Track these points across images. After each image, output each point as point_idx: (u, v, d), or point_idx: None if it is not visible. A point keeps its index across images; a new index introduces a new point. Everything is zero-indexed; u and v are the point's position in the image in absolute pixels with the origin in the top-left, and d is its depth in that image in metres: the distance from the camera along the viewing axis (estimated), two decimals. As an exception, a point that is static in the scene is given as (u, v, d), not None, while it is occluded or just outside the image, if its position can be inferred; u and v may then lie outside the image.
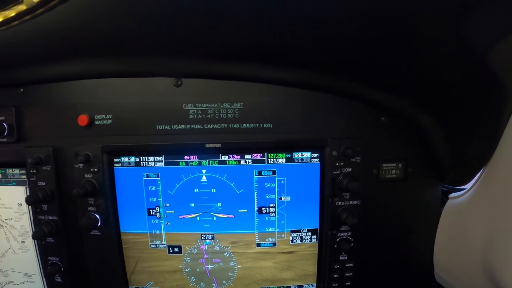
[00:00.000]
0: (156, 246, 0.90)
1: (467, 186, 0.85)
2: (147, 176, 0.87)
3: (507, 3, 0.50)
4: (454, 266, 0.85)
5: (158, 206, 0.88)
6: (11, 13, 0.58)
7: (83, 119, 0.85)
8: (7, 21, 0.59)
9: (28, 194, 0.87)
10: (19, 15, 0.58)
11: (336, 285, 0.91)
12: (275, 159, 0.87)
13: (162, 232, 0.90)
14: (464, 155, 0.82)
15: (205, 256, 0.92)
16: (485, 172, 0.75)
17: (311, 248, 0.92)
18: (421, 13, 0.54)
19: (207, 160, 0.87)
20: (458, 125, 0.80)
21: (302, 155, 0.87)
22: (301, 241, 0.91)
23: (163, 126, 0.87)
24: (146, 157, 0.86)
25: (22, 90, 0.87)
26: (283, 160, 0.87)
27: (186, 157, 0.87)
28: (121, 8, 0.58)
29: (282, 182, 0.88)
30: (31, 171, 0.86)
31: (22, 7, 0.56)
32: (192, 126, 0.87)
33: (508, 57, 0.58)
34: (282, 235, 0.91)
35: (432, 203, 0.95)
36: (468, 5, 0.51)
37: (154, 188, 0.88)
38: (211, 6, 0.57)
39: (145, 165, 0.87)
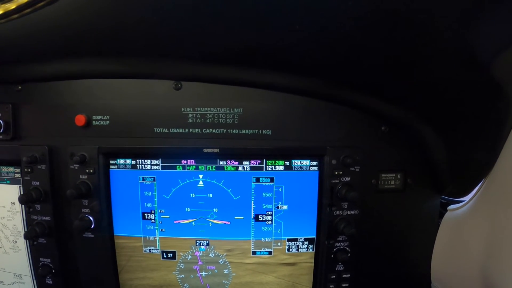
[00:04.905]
0: (150, 251, 0.89)
1: (466, 198, 0.85)
2: (143, 180, 0.86)
3: (510, 12, 0.49)
4: (452, 278, 0.84)
5: (153, 210, 0.87)
6: (12, 5, 0.57)
7: (80, 119, 0.84)
8: (7, 13, 0.58)
9: (21, 193, 0.86)
10: (19, 8, 0.57)
11: None
12: (273, 166, 0.86)
13: (157, 237, 0.88)
14: (464, 166, 0.81)
15: (199, 263, 0.90)
16: (485, 184, 0.74)
17: (313, 260, 0.90)
18: (426, 16, 0.53)
19: (205, 165, 0.86)
20: (458, 136, 0.80)
21: (301, 163, 0.86)
22: (298, 250, 0.90)
23: (161, 129, 0.86)
24: (143, 160, 0.85)
25: (20, 87, 0.86)
26: (282, 168, 0.86)
27: (183, 162, 0.86)
28: (123, 5, 0.58)
29: (280, 189, 0.87)
30: (25, 169, 0.84)
31: (23, 0, 0.56)
32: (190, 130, 0.86)
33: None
34: (279, 243, 0.89)
35: (431, 214, 0.94)
36: (472, 12, 0.50)
37: (149, 194, 0.86)
38: (211, 6, 0.56)
39: (142, 168, 0.86)
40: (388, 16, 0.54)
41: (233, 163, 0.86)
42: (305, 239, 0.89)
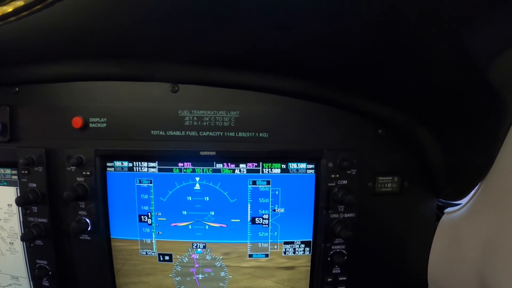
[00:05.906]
0: (147, 254, 0.89)
1: (463, 201, 0.85)
2: (140, 182, 0.86)
3: (507, 16, 0.49)
4: (449, 281, 0.84)
5: (150, 213, 0.87)
6: (9, 8, 0.57)
7: (77, 121, 0.84)
8: (4, 16, 0.58)
9: (18, 195, 0.86)
10: (16, 11, 0.57)
11: None
12: (270, 169, 0.86)
13: (153, 240, 0.88)
14: (461, 169, 0.81)
15: (196, 266, 0.90)
16: (482, 187, 0.74)
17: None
18: (425, 19, 0.53)
19: (201, 167, 0.86)
20: (455, 140, 0.80)
21: (297, 166, 0.86)
22: (294, 253, 0.90)
23: (158, 131, 0.86)
24: (140, 163, 0.85)
25: (17, 89, 0.87)
26: (278, 171, 0.86)
27: (180, 164, 0.86)
28: (120, 8, 0.58)
29: (277, 192, 0.87)
30: (22, 171, 0.84)
31: (20, 3, 0.56)
32: (187, 133, 0.86)
33: (509, 71, 0.57)
34: (275, 246, 0.89)
35: (427, 217, 0.94)
36: (470, 16, 0.50)
37: (146, 196, 0.86)
38: (210, 10, 0.56)
39: (138, 171, 0.86)
40: (385, 20, 0.54)
41: (230, 166, 0.86)
42: (302, 242, 0.89)
